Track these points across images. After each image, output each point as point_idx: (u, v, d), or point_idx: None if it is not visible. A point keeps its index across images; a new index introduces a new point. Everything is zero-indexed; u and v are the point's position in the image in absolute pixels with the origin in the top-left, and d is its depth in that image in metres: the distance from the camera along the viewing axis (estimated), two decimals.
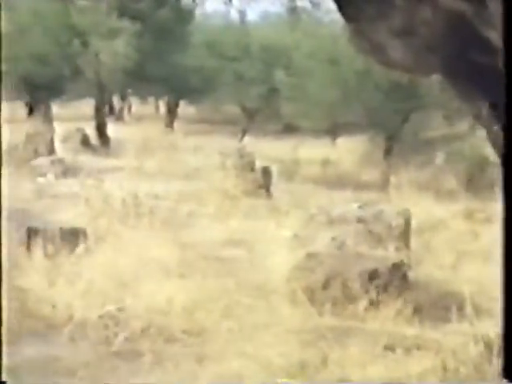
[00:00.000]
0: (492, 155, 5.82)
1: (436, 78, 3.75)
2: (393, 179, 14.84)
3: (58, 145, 18.16)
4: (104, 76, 21.62)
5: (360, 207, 8.86)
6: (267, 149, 18.34)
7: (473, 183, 15.04)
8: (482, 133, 3.37)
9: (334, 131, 22.91)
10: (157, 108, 35.48)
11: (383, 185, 15.69)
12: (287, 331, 6.30)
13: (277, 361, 5.71)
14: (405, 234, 8.60)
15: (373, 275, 7.02)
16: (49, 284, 7.15)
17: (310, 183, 15.36)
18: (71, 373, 5.60)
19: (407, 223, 8.68)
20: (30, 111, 25.66)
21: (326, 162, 18.51)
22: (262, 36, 27.79)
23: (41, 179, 14.67)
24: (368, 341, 6.11)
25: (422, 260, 8.49)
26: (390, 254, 7.80)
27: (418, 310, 6.94)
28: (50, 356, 5.90)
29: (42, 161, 15.67)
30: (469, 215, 11.34)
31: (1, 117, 14.99)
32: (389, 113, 17.56)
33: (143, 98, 31.81)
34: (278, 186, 13.78)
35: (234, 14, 31.02)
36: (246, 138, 24.00)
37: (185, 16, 24.00)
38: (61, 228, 8.66)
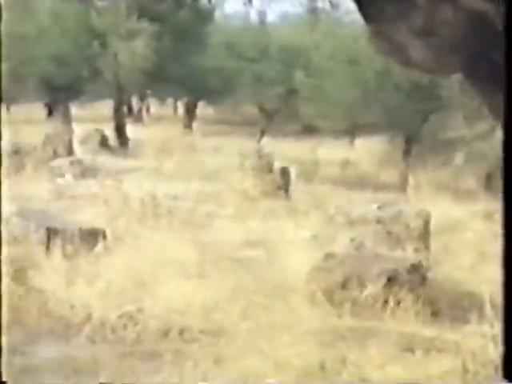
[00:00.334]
0: None
1: (456, 78, 3.73)
2: (412, 180, 14.80)
3: (76, 146, 18.22)
4: (123, 77, 21.68)
5: (379, 208, 8.83)
6: (286, 149, 18.32)
7: (492, 184, 14.98)
8: (501, 133, 3.35)
9: (353, 132, 22.89)
10: (175, 109, 35.56)
11: (402, 185, 15.66)
12: (306, 332, 6.28)
13: (295, 361, 5.70)
14: (424, 235, 8.56)
15: (392, 276, 6.99)
16: (68, 284, 7.17)
17: (329, 184, 15.34)
18: (90, 373, 5.61)
19: (426, 224, 8.65)
20: (49, 112, 25.82)
21: (345, 163, 18.49)
22: (282, 37, 27.79)
23: (60, 180, 14.72)
24: (387, 342, 6.09)
25: (440, 261, 8.45)
26: (408, 254, 7.78)
27: (436, 311, 6.92)
28: (69, 356, 5.92)
29: (61, 162, 15.71)
30: (488, 216, 11.28)
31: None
32: (408, 113, 17.52)
33: (162, 99, 31.90)
34: (296, 186, 13.77)
35: (254, 15, 30.96)
36: (265, 139, 23.99)
37: (204, 17, 24.01)
38: (80, 228, 8.68)
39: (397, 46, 3.50)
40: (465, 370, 5.54)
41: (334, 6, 17.34)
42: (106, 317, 6.51)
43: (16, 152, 15.85)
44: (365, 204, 10.06)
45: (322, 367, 5.67)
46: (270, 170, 13.40)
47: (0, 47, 15.49)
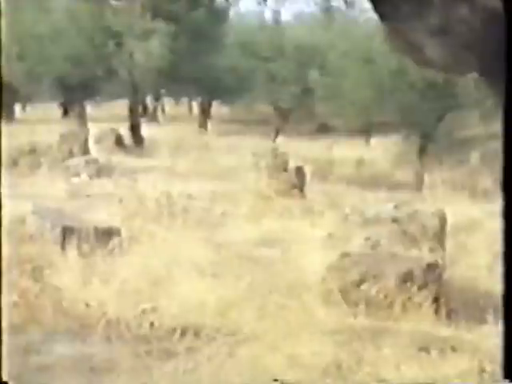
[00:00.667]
0: None
1: (472, 77, 3.71)
2: (427, 179, 14.76)
3: (92, 145, 18.27)
4: (138, 77, 21.72)
5: (395, 207, 8.81)
6: (301, 149, 18.30)
7: None
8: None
9: (368, 131, 22.86)
10: (190, 108, 35.62)
11: (417, 185, 15.62)
12: (321, 331, 6.27)
13: (311, 361, 5.69)
14: (439, 235, 8.53)
15: (407, 276, 6.97)
16: (83, 283, 7.18)
17: (344, 183, 15.32)
18: (105, 371, 5.62)
19: (442, 223, 8.61)
20: (65, 112, 25.91)
21: (360, 162, 18.46)
22: (296, 36, 27.78)
23: (75, 179, 14.76)
24: (402, 342, 6.07)
25: (457, 260, 8.43)
26: (424, 254, 7.75)
27: (452, 311, 6.89)
28: (84, 354, 5.93)
29: (77, 161, 15.77)
30: None
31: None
32: (423, 112, 17.46)
33: (177, 99, 32.00)
34: (311, 186, 13.74)
35: (268, 15, 30.96)
36: (280, 138, 23.99)
37: (219, 17, 24.03)
38: (95, 227, 8.70)
39: (413, 45, 3.49)
40: (481, 369, 5.52)
41: (348, 4, 17.34)
42: (121, 315, 6.52)
43: (32, 151, 15.92)
44: (380, 203, 10.04)
45: (338, 367, 5.66)
46: (285, 170, 13.38)
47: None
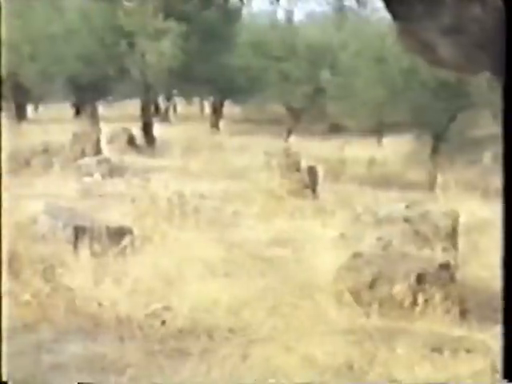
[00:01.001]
0: None
1: (484, 76, 3.70)
2: (439, 179, 14.71)
3: (104, 145, 18.30)
4: (150, 76, 21.74)
5: (407, 207, 8.79)
6: (313, 148, 18.28)
7: None
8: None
9: (380, 130, 22.81)
10: (202, 108, 35.63)
11: (430, 184, 15.58)
12: (333, 331, 6.27)
13: (323, 361, 5.69)
14: (452, 235, 8.50)
15: (420, 276, 6.96)
16: (95, 282, 7.20)
17: (356, 183, 15.30)
18: (118, 371, 5.63)
19: (454, 223, 8.59)
20: (77, 112, 25.96)
21: (372, 162, 18.42)
22: (308, 35, 27.74)
23: (87, 179, 14.80)
24: (415, 342, 6.06)
25: (469, 260, 8.40)
26: (436, 254, 7.72)
27: (465, 311, 6.87)
28: (96, 354, 5.94)
29: (89, 161, 15.80)
30: None
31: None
32: (436, 112, 17.42)
33: (189, 99, 31.97)
34: (323, 185, 13.72)
35: (281, 14, 30.97)
36: (292, 138, 23.96)
37: (231, 16, 24.03)
38: (107, 227, 8.72)
39: (425, 45, 3.48)
40: (494, 370, 5.50)
41: (360, 4, 17.33)
42: (133, 315, 6.53)
43: (44, 151, 15.97)
44: (392, 203, 10.02)
45: (350, 367, 5.65)
46: (297, 169, 13.36)
47: None
